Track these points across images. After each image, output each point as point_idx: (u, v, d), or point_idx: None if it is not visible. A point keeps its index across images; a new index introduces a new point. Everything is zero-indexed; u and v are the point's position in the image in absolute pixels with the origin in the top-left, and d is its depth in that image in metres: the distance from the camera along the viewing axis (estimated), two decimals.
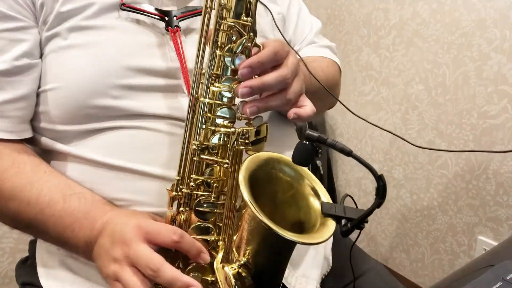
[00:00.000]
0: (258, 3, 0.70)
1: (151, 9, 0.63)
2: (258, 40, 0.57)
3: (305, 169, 0.58)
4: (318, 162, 1.73)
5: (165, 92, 0.62)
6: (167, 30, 0.63)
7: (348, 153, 0.47)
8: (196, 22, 0.66)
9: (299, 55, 0.72)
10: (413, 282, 1.60)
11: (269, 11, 0.71)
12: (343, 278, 0.73)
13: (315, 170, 1.72)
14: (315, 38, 0.83)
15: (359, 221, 0.50)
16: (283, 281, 0.64)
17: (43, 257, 0.65)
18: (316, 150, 1.74)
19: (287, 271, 0.65)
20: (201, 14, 0.56)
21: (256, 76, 0.55)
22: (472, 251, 1.40)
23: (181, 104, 0.62)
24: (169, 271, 0.50)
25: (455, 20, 1.33)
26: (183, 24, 0.64)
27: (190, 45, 0.63)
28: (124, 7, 0.61)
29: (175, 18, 0.63)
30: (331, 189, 1.82)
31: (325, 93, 0.70)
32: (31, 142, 0.66)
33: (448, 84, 1.38)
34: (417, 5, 1.42)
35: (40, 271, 0.66)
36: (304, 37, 0.82)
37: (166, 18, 0.63)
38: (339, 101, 0.77)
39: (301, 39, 0.81)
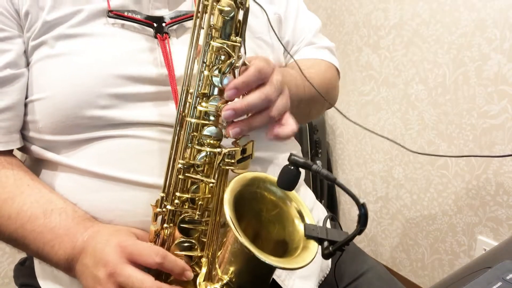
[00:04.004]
0: (254, 4, 0.69)
1: (139, 16, 0.60)
2: (254, 42, 0.56)
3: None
4: (318, 162, 1.73)
5: (155, 100, 0.60)
6: (156, 37, 0.61)
7: (333, 180, 0.47)
8: (188, 23, 0.64)
9: (296, 61, 0.72)
10: (413, 282, 1.60)
11: (264, 12, 0.70)
12: (342, 281, 0.72)
13: (315, 171, 1.72)
14: (314, 38, 0.82)
15: (341, 245, 0.50)
16: (280, 283, 0.64)
17: None
18: (316, 150, 1.74)
19: (284, 272, 0.65)
20: (191, 19, 0.54)
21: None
22: (472, 251, 1.40)
23: (171, 111, 0.60)
24: None
25: (455, 20, 1.33)
26: (174, 27, 0.62)
27: (181, 49, 0.60)
28: (111, 14, 0.59)
29: (164, 24, 0.61)
30: (331, 189, 1.82)
31: (321, 98, 0.70)
32: (23, 150, 0.65)
33: (448, 84, 1.38)
34: (417, 5, 1.42)
35: (38, 272, 0.66)
36: (303, 37, 0.80)
37: (155, 25, 0.61)
38: (335, 107, 0.77)
39: (300, 39, 0.80)
